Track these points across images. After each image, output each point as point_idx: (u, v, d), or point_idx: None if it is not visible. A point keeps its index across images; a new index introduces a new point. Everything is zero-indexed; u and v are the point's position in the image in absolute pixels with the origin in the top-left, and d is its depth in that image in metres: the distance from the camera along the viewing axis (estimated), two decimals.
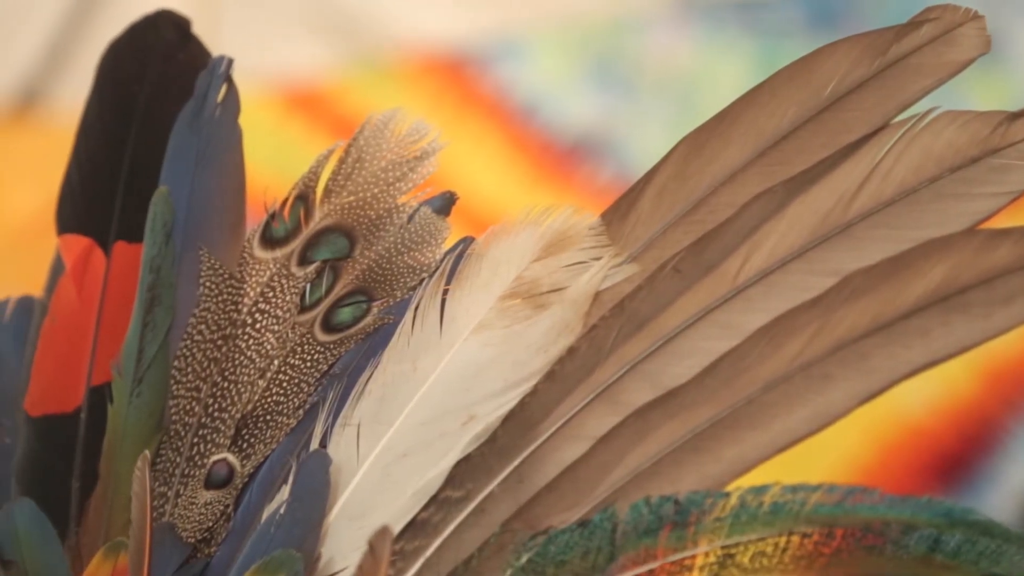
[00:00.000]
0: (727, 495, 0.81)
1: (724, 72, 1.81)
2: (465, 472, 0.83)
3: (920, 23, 0.83)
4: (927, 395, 1.65)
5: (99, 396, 0.85)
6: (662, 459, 0.83)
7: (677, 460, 0.83)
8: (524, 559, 0.82)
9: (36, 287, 0.89)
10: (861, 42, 0.83)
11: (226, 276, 0.85)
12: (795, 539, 0.80)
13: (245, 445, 0.84)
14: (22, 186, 1.80)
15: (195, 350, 0.84)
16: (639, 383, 0.83)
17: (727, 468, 0.82)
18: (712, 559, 0.81)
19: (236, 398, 0.84)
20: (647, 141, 1.80)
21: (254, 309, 0.84)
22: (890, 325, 0.82)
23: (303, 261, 0.85)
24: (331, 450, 0.83)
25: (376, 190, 0.85)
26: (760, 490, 0.81)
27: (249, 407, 0.84)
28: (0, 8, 1.86)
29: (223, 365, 0.84)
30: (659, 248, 0.83)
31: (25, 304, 0.89)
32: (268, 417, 0.84)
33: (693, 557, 0.81)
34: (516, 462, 0.83)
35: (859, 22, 1.78)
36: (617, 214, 0.84)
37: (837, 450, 1.61)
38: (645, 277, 0.83)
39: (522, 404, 0.83)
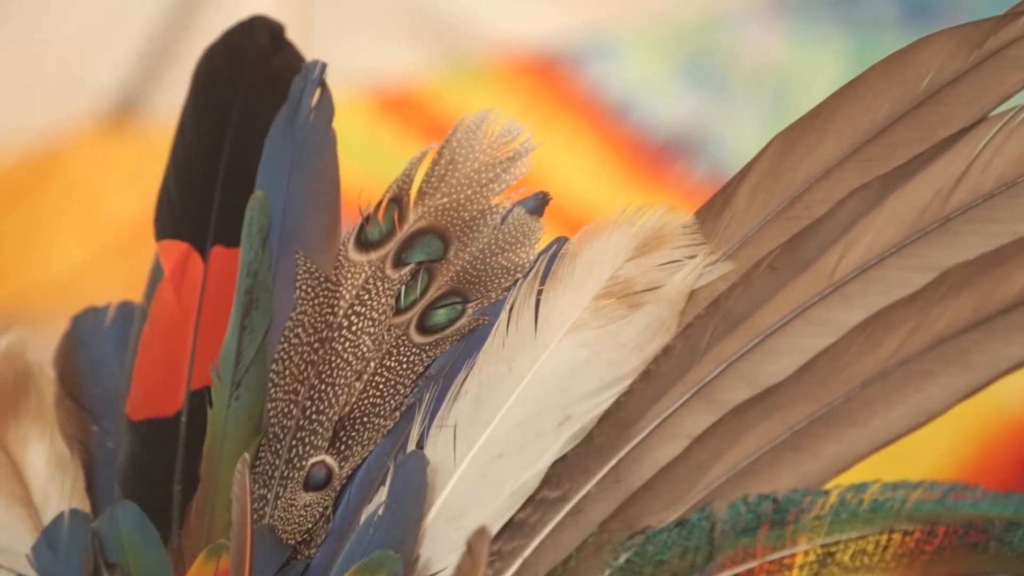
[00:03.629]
0: (826, 493, 0.81)
1: (818, 67, 1.80)
2: (562, 472, 0.82)
3: (1017, 14, 0.82)
4: None
5: (199, 400, 0.86)
6: (759, 457, 0.82)
7: (775, 458, 0.82)
8: (622, 559, 0.81)
9: (136, 292, 0.90)
10: (957, 35, 0.82)
11: (322, 279, 0.85)
12: (896, 537, 0.80)
13: (343, 447, 0.84)
14: (121, 193, 1.82)
15: (292, 353, 0.85)
16: (735, 381, 0.82)
17: (826, 466, 0.82)
18: (812, 558, 0.80)
19: (333, 400, 0.84)
20: (741, 138, 1.79)
21: (350, 312, 0.85)
22: (990, 320, 0.81)
23: (398, 263, 0.85)
24: (428, 451, 0.83)
25: (469, 191, 0.85)
26: (860, 488, 0.80)
27: (346, 409, 0.84)
28: (96, 17, 1.88)
29: (320, 368, 0.85)
30: (754, 245, 0.83)
31: (125, 309, 0.90)
32: (365, 419, 0.84)
33: (792, 556, 0.80)
34: (613, 462, 0.82)
35: (955, 14, 1.77)
36: (711, 212, 0.84)
37: (937, 447, 1.59)
38: (740, 275, 0.83)
39: (618, 404, 0.83)
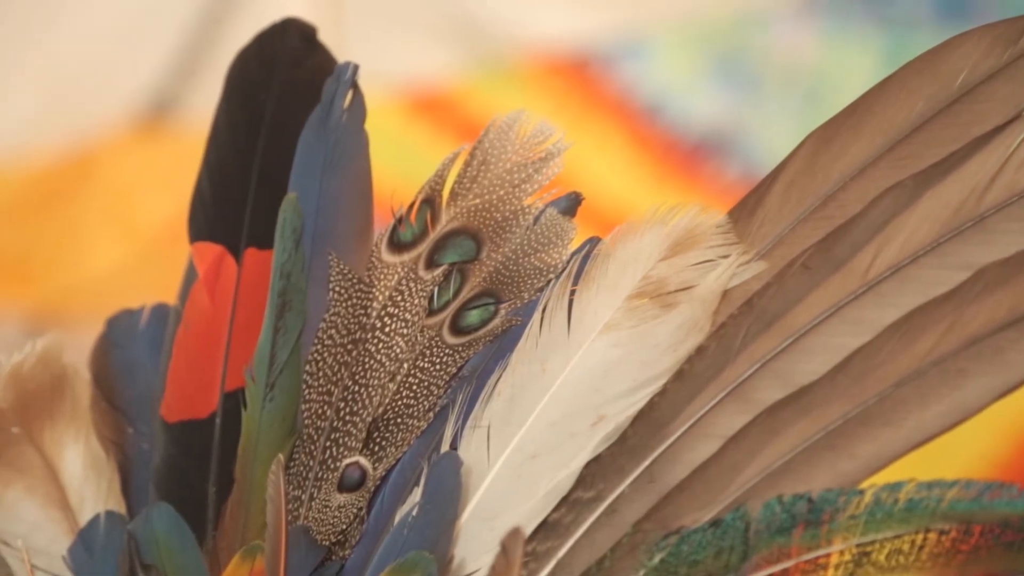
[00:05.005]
0: (861, 493, 0.80)
1: (851, 66, 1.79)
2: (596, 472, 0.82)
3: None
4: None
5: (233, 401, 0.86)
6: (794, 457, 0.82)
7: (809, 458, 0.82)
8: (657, 559, 0.81)
9: (170, 295, 0.90)
10: (991, 32, 0.82)
11: (355, 281, 0.85)
12: (932, 536, 0.79)
13: (377, 448, 0.84)
14: (155, 195, 1.82)
15: (326, 354, 0.85)
16: (769, 381, 0.82)
17: (861, 465, 0.82)
18: (847, 557, 0.80)
19: (367, 401, 0.85)
20: (773, 137, 1.79)
21: (383, 313, 0.85)
22: None
23: (430, 264, 0.85)
24: (462, 452, 0.83)
25: (502, 192, 0.85)
26: (895, 487, 0.80)
27: (380, 410, 0.85)
28: (130, 20, 1.89)
29: (353, 369, 0.85)
30: (788, 244, 0.83)
31: (160, 312, 0.90)
32: (399, 420, 0.84)
33: (828, 555, 0.80)
34: (647, 462, 0.82)
35: (988, 12, 1.76)
36: (744, 211, 0.83)
37: (973, 446, 1.59)
38: (774, 274, 0.83)
39: (651, 404, 0.83)
